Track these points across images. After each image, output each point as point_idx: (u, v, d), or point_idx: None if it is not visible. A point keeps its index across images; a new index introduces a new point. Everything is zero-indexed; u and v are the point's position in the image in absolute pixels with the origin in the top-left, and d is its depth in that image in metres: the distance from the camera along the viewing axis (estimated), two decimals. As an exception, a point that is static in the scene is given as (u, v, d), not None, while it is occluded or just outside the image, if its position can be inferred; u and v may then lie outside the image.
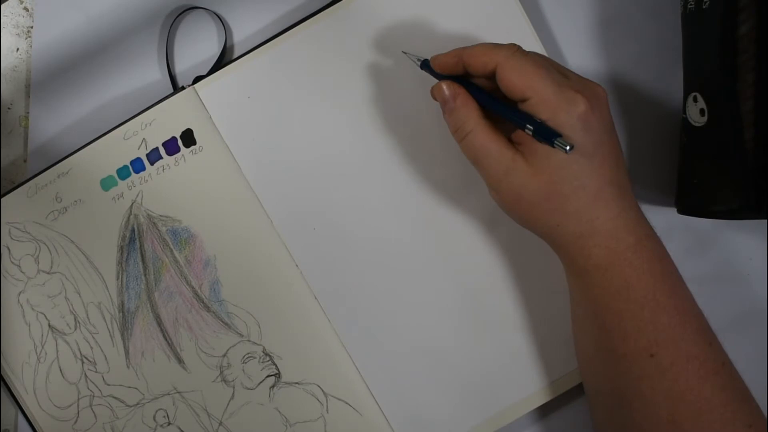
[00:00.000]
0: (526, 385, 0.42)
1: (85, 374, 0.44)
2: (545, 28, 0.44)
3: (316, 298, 0.42)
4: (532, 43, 0.41)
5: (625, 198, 0.35)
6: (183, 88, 0.42)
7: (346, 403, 0.42)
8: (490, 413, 0.42)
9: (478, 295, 0.42)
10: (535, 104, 0.33)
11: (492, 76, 0.35)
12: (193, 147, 0.42)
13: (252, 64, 0.42)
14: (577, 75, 0.35)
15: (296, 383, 0.43)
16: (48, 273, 0.43)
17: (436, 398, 0.42)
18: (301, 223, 0.42)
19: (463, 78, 0.37)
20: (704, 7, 0.37)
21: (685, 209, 0.40)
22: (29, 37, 0.46)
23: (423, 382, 0.42)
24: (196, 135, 0.42)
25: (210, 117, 0.42)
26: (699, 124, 0.38)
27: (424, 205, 0.42)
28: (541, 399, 0.42)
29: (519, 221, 0.37)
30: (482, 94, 0.36)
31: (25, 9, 0.46)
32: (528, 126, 0.33)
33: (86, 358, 0.43)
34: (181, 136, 0.42)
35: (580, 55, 0.44)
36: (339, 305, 0.42)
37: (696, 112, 0.37)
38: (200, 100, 0.42)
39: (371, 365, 0.42)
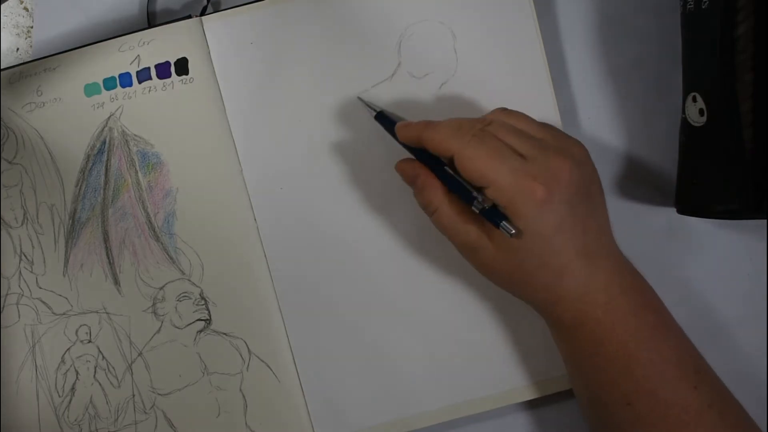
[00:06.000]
0: (453, 392, 0.42)
1: (20, 271, 0.43)
2: (549, 26, 0.44)
3: (265, 256, 0.42)
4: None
5: (595, 261, 0.35)
6: (190, 16, 0.42)
7: (268, 366, 0.42)
8: (404, 414, 0.42)
9: (430, 295, 0.42)
10: (493, 193, 0.34)
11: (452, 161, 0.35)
12: (184, 76, 0.42)
13: (266, 12, 0.42)
14: (538, 149, 0.34)
15: (224, 334, 0.42)
16: (9, 162, 0.43)
17: (358, 388, 0.42)
18: (270, 178, 0.42)
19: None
20: (703, 7, 0.37)
21: (685, 209, 0.40)
22: (29, 37, 0.46)
23: (351, 370, 0.42)
24: (190, 65, 0.42)
25: (209, 52, 0.42)
26: (698, 124, 0.38)
27: (399, 199, 0.42)
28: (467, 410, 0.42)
29: (495, 284, 0.37)
30: (440, 168, 0.36)
31: (25, 9, 0.46)
32: (475, 205, 0.34)
33: (25, 256, 0.43)
34: (175, 63, 0.42)
35: (580, 54, 0.44)
36: (286, 271, 0.42)
37: (695, 112, 0.37)
38: (203, 32, 0.42)
39: (303, 337, 0.42)
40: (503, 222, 0.33)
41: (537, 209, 0.33)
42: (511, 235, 0.33)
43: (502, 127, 0.36)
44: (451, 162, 0.35)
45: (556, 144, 0.35)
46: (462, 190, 0.35)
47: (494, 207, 0.34)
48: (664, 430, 0.34)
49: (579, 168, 0.35)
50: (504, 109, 0.37)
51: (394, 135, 0.38)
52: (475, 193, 0.35)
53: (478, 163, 0.34)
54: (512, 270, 0.35)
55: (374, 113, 0.40)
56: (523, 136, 0.35)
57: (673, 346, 0.35)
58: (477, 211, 0.34)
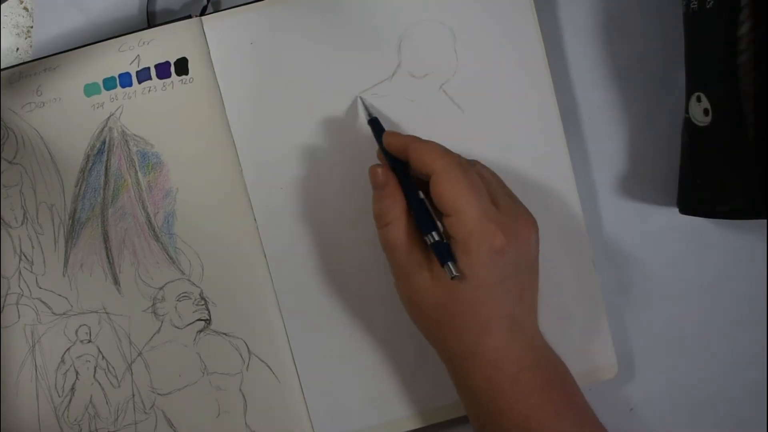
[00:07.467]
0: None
1: (20, 271, 0.43)
2: (550, 25, 0.44)
3: (265, 256, 0.42)
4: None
5: (517, 330, 0.35)
6: (190, 16, 0.42)
7: (268, 366, 0.42)
8: (404, 414, 0.42)
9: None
10: (454, 223, 0.33)
11: (428, 179, 0.35)
12: (184, 77, 0.42)
13: (266, 12, 0.42)
14: (512, 205, 0.36)
15: (224, 334, 0.42)
16: (9, 162, 0.43)
17: (358, 388, 0.42)
18: (270, 178, 0.42)
19: (405, 164, 0.37)
20: (708, 6, 0.36)
21: (687, 209, 0.40)
22: (29, 37, 0.46)
23: (351, 370, 0.42)
24: (190, 65, 0.42)
25: (209, 52, 0.42)
26: (703, 124, 0.38)
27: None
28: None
29: (412, 321, 0.37)
30: (411, 188, 0.36)
31: (25, 9, 0.46)
32: (430, 236, 0.34)
33: (25, 256, 0.43)
34: (175, 63, 0.42)
35: (581, 53, 0.44)
36: (286, 271, 0.42)
37: (700, 112, 0.37)
38: (203, 32, 0.42)
39: (303, 337, 0.42)
40: (449, 263, 0.33)
41: (489, 255, 0.33)
42: (452, 277, 0.33)
43: (486, 171, 0.36)
44: (424, 185, 0.35)
45: (524, 211, 0.36)
46: (425, 216, 0.35)
47: (447, 244, 0.34)
48: None
49: (537, 242, 0.36)
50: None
51: (380, 142, 0.38)
52: (436, 224, 0.34)
53: (455, 188, 0.33)
54: (438, 308, 0.35)
55: (369, 117, 0.40)
56: (500, 189, 0.36)
57: (576, 423, 0.35)
58: (429, 242, 0.34)
